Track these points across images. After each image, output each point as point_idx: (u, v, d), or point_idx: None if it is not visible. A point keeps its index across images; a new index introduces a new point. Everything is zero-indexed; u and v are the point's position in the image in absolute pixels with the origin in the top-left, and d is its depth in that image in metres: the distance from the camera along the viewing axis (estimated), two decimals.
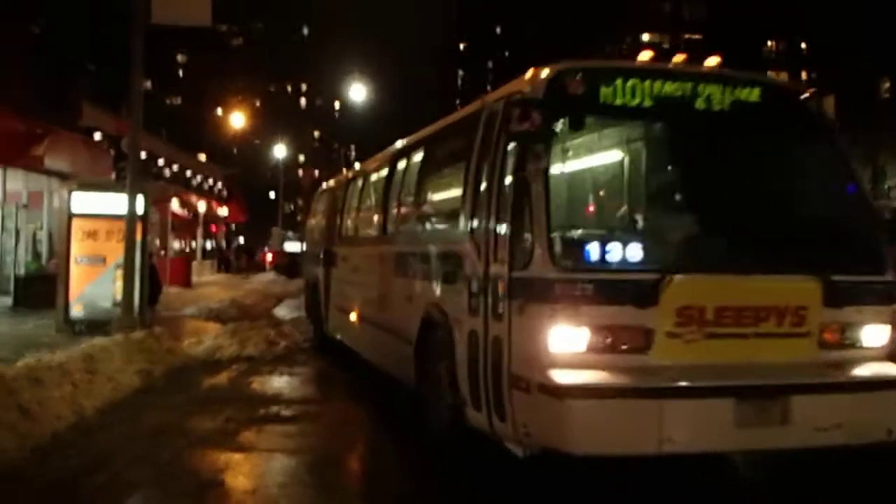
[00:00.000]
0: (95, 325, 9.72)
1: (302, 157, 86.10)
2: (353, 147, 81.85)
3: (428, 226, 5.92)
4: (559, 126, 4.06)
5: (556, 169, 4.30)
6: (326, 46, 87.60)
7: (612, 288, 3.83)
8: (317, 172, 74.06)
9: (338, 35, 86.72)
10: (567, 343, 3.79)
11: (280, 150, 47.11)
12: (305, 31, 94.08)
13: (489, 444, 4.42)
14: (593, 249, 3.85)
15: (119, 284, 9.94)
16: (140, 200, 9.85)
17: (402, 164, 6.93)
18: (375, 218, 7.52)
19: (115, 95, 18.70)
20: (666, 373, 3.82)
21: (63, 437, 5.34)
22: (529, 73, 4.34)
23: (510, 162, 4.18)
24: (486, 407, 4.26)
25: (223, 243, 37.43)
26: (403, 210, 6.59)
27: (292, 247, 32.70)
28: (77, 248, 10.50)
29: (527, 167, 3.96)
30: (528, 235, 3.95)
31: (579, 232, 4.35)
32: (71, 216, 10.54)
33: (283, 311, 16.37)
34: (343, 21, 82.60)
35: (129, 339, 8.13)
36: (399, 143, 7.52)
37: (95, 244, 10.58)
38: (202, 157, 42.33)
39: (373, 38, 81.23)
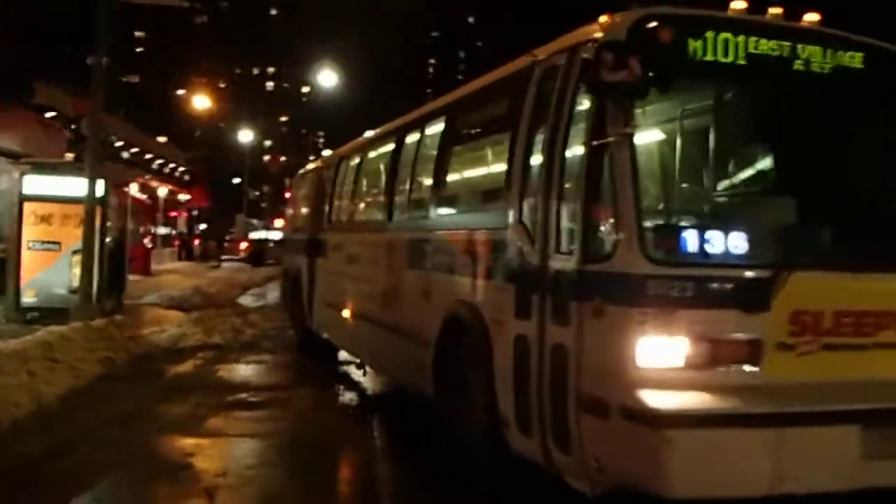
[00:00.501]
0: (49, 312, 9.41)
1: (268, 143, 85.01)
2: (321, 134, 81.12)
3: (453, 209, 5.13)
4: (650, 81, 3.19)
5: (637, 139, 3.38)
6: (294, 29, 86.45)
7: (717, 288, 3.12)
8: (283, 159, 73.27)
9: (306, 18, 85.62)
10: (660, 356, 3.04)
11: (246, 135, 46.45)
12: (273, 11, 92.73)
13: (534, 471, 3.68)
14: (692, 239, 3.11)
15: (76, 271, 9.66)
16: (100, 184, 9.63)
17: (412, 139, 5.93)
18: (379, 201, 6.58)
19: (72, 73, 18.16)
20: (780, 394, 3.11)
21: (22, 424, 5.21)
22: (603, 19, 3.54)
23: (586, 126, 3.37)
24: (538, 432, 3.51)
25: (185, 230, 36.90)
26: (417, 191, 5.63)
27: (256, 235, 32.50)
28: (29, 233, 10.13)
29: (612, 132, 3.18)
30: (609, 220, 3.24)
31: (674, 217, 3.67)
32: (22, 199, 10.15)
33: (248, 300, 16.23)
34: (312, 4, 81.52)
35: (90, 326, 7.96)
36: (409, 116, 6.40)
37: (50, 229, 10.24)
38: (163, 139, 41.54)
39: (343, 23, 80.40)
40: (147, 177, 28.56)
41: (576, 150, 3.49)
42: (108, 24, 9.47)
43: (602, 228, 3.32)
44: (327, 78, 38.95)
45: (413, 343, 5.10)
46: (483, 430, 4.03)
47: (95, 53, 9.58)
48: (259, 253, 32.96)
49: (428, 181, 5.38)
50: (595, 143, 3.28)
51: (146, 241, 20.12)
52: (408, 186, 5.78)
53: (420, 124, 5.88)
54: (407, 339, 5.29)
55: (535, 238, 3.65)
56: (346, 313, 7.02)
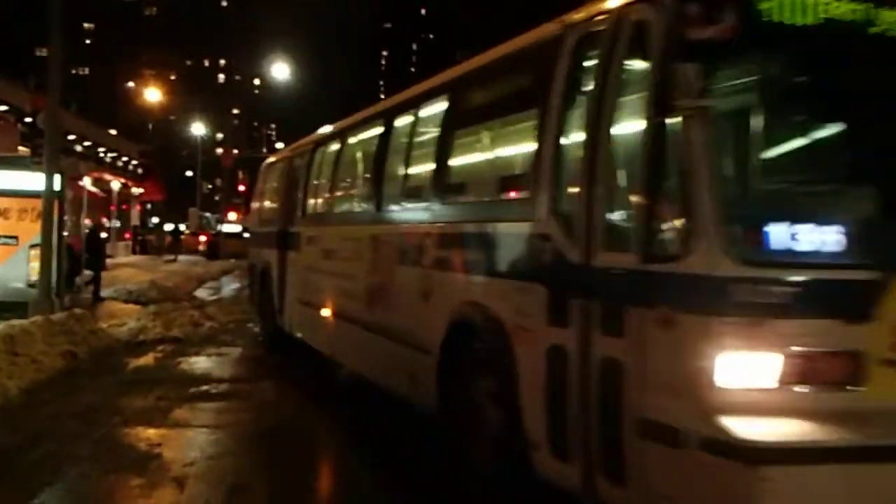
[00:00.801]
0: (5, 307, 9.32)
1: (221, 136, 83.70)
2: (273, 126, 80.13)
3: (460, 198, 4.56)
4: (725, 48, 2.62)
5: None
6: (246, 21, 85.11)
7: (813, 292, 2.60)
8: (235, 151, 72.22)
9: (258, 10, 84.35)
10: (746, 375, 2.54)
11: (198, 128, 45.73)
12: (224, 2, 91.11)
13: (563, 498, 3.22)
14: (783, 235, 2.60)
15: (35, 265, 9.63)
16: (58, 178, 9.58)
17: (406, 121, 5.34)
18: (366, 190, 5.98)
19: (24, 66, 17.80)
20: (888, 420, 2.58)
21: None
22: None
23: (647, 99, 2.81)
24: (579, 457, 3.03)
25: (139, 223, 36.27)
26: (414, 179, 5.08)
27: (222, 228, 32.29)
28: None
29: (685, 104, 2.60)
30: (680, 211, 2.66)
31: (758, 209, 2.97)
32: None
33: (204, 294, 16.17)
34: None
35: (50, 320, 7.96)
36: (401, 95, 5.78)
37: (7, 223, 10.22)
38: (113, 132, 40.68)
39: (295, 15, 79.44)
40: (100, 170, 28.00)
41: (629, 129, 3.00)
42: (62, 14, 9.38)
43: (670, 221, 2.73)
44: (279, 70, 38.58)
45: (408, 348, 4.62)
46: (499, 448, 3.57)
47: (50, 45, 9.48)
48: (214, 246, 32.67)
49: (427, 168, 4.77)
50: (661, 119, 2.72)
51: (102, 234, 19.87)
52: (402, 174, 5.15)
53: (417, 104, 5.22)
54: (400, 343, 4.79)
55: (576, 232, 3.11)
56: (325, 312, 6.47)
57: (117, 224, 31.81)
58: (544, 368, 3.25)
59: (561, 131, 3.37)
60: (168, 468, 4.40)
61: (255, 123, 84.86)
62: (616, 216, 3.05)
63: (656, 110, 2.77)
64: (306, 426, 5.69)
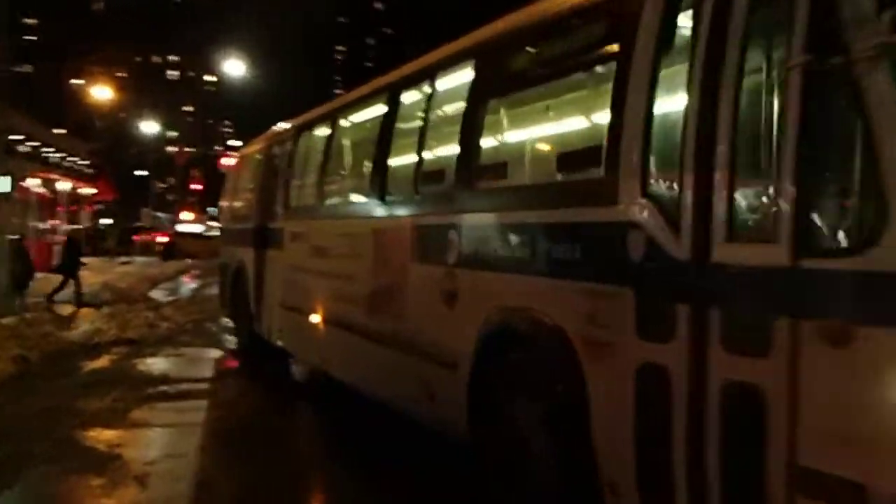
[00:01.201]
0: None
1: (174, 134, 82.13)
2: (228, 124, 78.97)
3: (496, 181, 3.78)
4: None
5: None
6: (198, 17, 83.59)
7: None
8: (188, 149, 70.94)
9: (210, 5, 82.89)
10: None
11: (150, 126, 44.85)
12: None
13: None
14: None
15: None
16: (5, 181, 9.40)
17: (418, 95, 4.65)
18: (369, 177, 5.08)
19: None
20: None
21: None
22: None
23: (795, 43, 2.12)
24: None
25: (90, 224, 35.46)
26: (431, 162, 4.42)
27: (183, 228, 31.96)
28: None
29: (862, 46, 1.96)
30: (860, 188, 2.01)
31: None
32: None
33: (160, 294, 15.96)
34: None
35: (0, 324, 7.84)
36: (405, 68, 4.93)
37: None
38: (61, 131, 39.65)
39: (249, 10, 78.32)
40: (46, 170, 27.31)
41: (764, 78, 2.30)
42: (7, 10, 9.18)
43: (842, 201, 2.10)
44: (234, 67, 38.03)
45: (426, 362, 3.98)
46: (554, 486, 2.96)
47: None
48: (170, 246, 32.18)
49: (450, 148, 4.04)
50: (827, 61, 2.04)
51: (53, 236, 19.42)
52: (415, 157, 4.43)
53: (435, 73, 4.42)
54: (414, 355, 4.13)
55: (682, 218, 2.44)
56: (316, 319, 5.72)
57: (66, 226, 31.13)
58: (632, 392, 2.59)
59: (655, 89, 2.62)
60: (128, 468, 4.41)
61: (210, 121, 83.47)
62: (747, 197, 2.34)
63: (818, 50, 2.07)
64: (270, 425, 5.72)
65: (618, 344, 2.68)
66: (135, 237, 35.07)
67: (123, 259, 29.37)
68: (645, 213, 2.60)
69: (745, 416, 2.22)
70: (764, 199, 2.30)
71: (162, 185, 69.81)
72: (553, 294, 3.04)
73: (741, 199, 2.34)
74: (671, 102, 2.60)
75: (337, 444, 5.11)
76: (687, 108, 2.47)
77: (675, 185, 2.52)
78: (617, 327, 2.68)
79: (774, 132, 2.22)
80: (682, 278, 2.44)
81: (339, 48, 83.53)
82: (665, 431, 2.44)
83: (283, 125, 7.54)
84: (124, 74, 73.68)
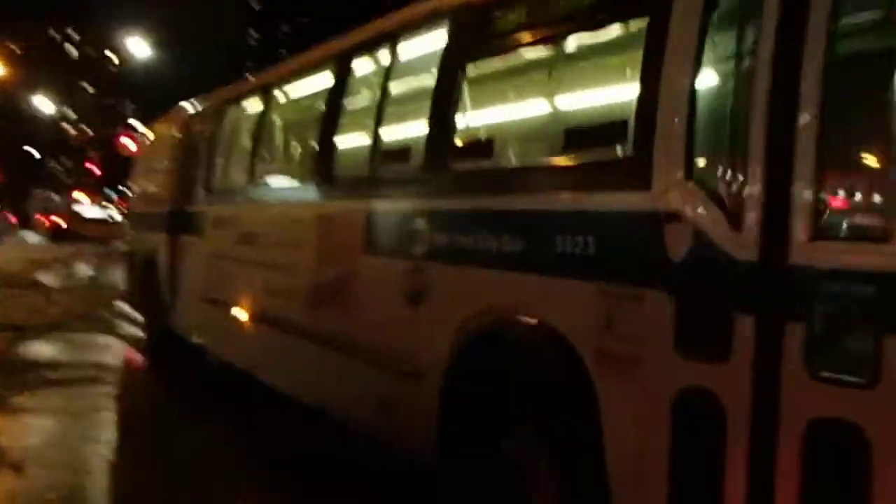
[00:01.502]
0: None
1: (73, 115, 78.08)
2: (132, 106, 75.74)
3: (487, 161, 3.26)
4: None
5: None
6: None
7: None
8: (87, 130, 67.70)
9: None
10: None
11: (44, 104, 42.35)
12: None
13: None
14: None
15: None
16: None
17: (373, 63, 4.12)
18: (313, 156, 4.57)
19: None
20: None
21: None
22: None
23: None
24: None
25: None
26: (394, 141, 3.93)
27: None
28: None
29: None
30: None
31: None
32: None
33: (49, 279, 15.17)
34: None
35: None
36: (366, 30, 4.30)
37: None
38: None
39: None
40: None
41: (850, 49, 1.95)
42: None
43: None
44: (137, 47, 36.48)
45: (382, 369, 3.49)
46: None
47: None
48: (61, 229, 30.82)
49: (421, 122, 3.48)
50: None
51: None
52: (373, 133, 3.88)
53: (394, 35, 3.84)
54: (367, 361, 3.64)
55: (746, 208, 2.01)
56: (243, 315, 5.23)
57: None
58: (667, 423, 2.09)
59: (706, 35, 2.09)
60: (5, 455, 4.13)
61: (112, 102, 79.79)
62: (845, 184, 1.93)
63: None
64: (158, 410, 5.55)
65: (645, 360, 2.17)
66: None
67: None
68: (690, 202, 2.11)
69: (839, 462, 1.69)
70: (871, 187, 1.89)
71: (59, 167, 66.32)
72: (555, 296, 2.50)
73: (836, 186, 1.93)
74: (730, 57, 2.02)
75: (247, 441, 4.99)
76: (756, 65, 1.86)
77: (734, 168, 2.01)
78: (643, 339, 2.17)
79: (887, 101, 1.70)
80: (743, 283, 1.96)
81: (252, 34, 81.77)
82: (713, 480, 1.89)
83: (201, 98, 7.16)
84: (14, 48, 69.46)
